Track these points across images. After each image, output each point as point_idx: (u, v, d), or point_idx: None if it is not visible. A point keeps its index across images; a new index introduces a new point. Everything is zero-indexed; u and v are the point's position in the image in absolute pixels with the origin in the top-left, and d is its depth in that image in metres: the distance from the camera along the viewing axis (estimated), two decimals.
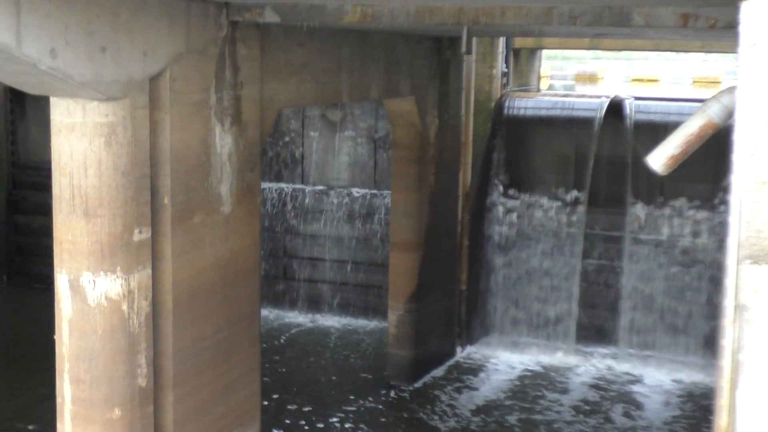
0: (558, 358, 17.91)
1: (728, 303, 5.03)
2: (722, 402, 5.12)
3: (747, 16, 4.86)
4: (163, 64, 9.10)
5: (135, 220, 8.89)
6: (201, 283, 9.98)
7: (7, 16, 7.11)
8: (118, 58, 8.45)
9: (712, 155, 15.96)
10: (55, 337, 9.01)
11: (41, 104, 8.29)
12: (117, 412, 8.98)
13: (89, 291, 8.76)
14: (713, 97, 9.92)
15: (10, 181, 21.88)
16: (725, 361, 5.13)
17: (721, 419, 5.04)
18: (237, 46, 10.27)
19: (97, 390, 8.90)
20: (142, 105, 8.89)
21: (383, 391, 16.18)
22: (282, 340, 18.73)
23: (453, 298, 17.85)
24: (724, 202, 16.65)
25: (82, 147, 8.54)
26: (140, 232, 8.98)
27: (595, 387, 16.72)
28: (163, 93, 9.17)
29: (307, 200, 20.05)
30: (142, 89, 8.86)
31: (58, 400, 9.09)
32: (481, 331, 18.64)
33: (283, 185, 20.36)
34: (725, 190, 16.46)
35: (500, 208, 18.47)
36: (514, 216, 18.42)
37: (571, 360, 17.85)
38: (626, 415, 15.55)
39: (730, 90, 9.84)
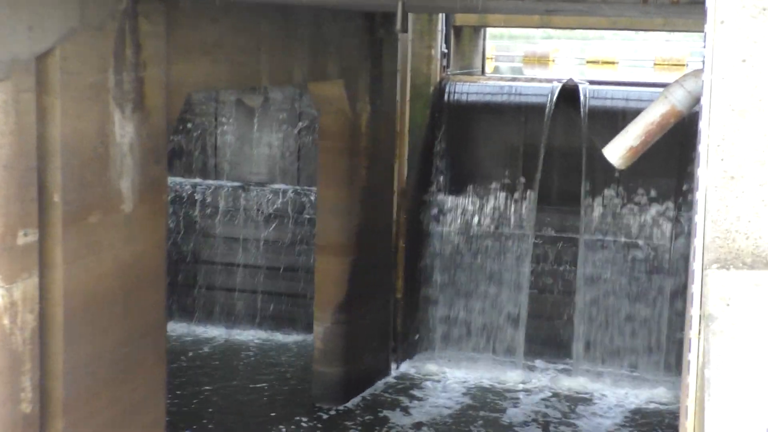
0: (505, 374, 18.01)
1: (693, 313, 5.06)
2: (687, 424, 5.16)
3: None
4: (52, 41, 8.92)
5: (19, 221, 8.69)
6: (98, 292, 9.81)
7: None
8: None
9: (675, 147, 16.24)
10: None
11: None
12: None
13: None
14: (676, 81, 10.05)
15: None
16: (690, 377, 5.17)
17: None
18: (139, 22, 10.11)
19: None
20: (28, 88, 8.70)
21: (308, 415, 16.11)
22: (192, 358, 18.55)
23: (388, 307, 17.86)
24: (690, 200, 16.90)
25: None
26: (25, 234, 8.78)
27: (545, 406, 16.83)
28: (52, 74, 8.98)
29: (221, 198, 19.89)
30: (27, 70, 8.67)
31: None
32: (418, 344, 18.68)
33: (194, 181, 20.17)
34: (690, 185, 16.72)
35: (441, 206, 18.52)
36: (456, 215, 18.48)
37: (520, 376, 17.95)
38: None
39: (696, 74, 9.98)
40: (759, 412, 3.60)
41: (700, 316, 4.81)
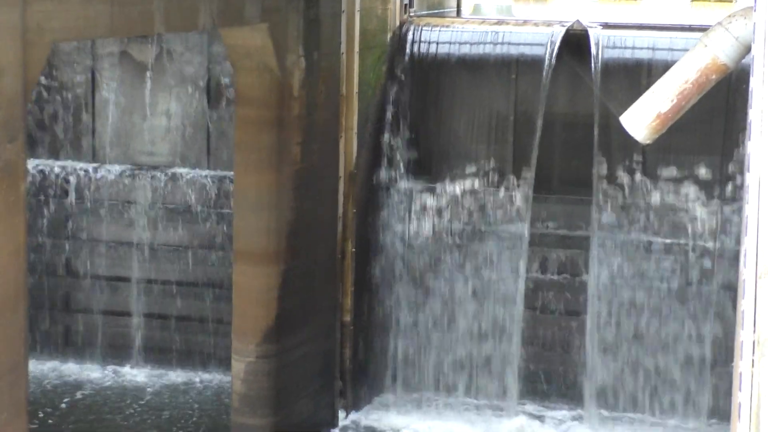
0: (492, 424, 18.06)
1: (745, 337, 5.06)
2: None
3: None
4: None
5: None
6: None
7: None
8: None
9: (719, 113, 16.32)
10: None
11: None
12: None
13: None
14: (719, 23, 10.11)
15: None
16: (741, 423, 5.17)
17: None
18: None
19: None
20: None
21: None
22: (65, 407, 18.45)
23: (332, 335, 17.87)
24: (738, 187, 17.00)
25: None
26: None
27: None
28: None
29: (102, 188, 19.75)
30: None
31: None
32: (374, 386, 18.68)
33: (63, 164, 20.02)
34: (739, 168, 16.81)
35: (402, 196, 18.50)
36: (423, 208, 18.48)
37: (513, 426, 18.01)
38: None
39: (745, 12, 10.03)
40: None
41: (753, 341, 4.81)
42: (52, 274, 20.07)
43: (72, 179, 19.88)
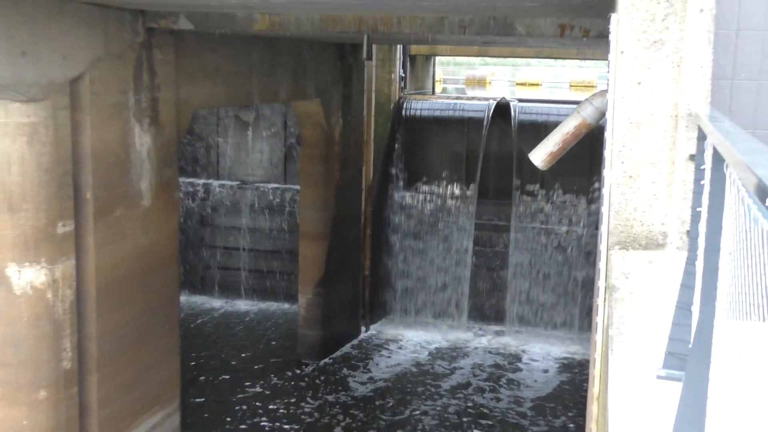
0: (453, 335, 18.07)
1: (600, 284, 5.11)
2: (595, 372, 5.21)
3: (615, 26, 4.94)
4: (82, 68, 8.85)
5: (58, 214, 8.64)
6: (122, 272, 9.76)
7: None
8: (38, 62, 8.18)
9: (586, 152, 16.34)
10: None
11: None
12: (43, 393, 8.73)
13: (14, 281, 8.50)
14: (586, 99, 10.11)
15: None
16: (598, 335, 5.22)
17: (594, 387, 5.13)
18: (153, 52, 10.05)
19: (23, 373, 8.64)
20: (63, 106, 8.64)
21: (294, 369, 16.11)
22: (199, 322, 18.48)
23: (357, 282, 17.85)
24: (598, 194, 16.99)
25: (4, 146, 8.26)
26: (63, 225, 8.73)
27: (485, 358, 16.92)
28: (83, 95, 8.92)
29: (223, 195, 19.80)
30: (62, 91, 8.60)
31: None
32: (383, 312, 18.70)
33: (201, 181, 20.05)
34: (598, 183, 16.81)
35: (399, 200, 18.53)
36: (412, 207, 18.49)
37: (465, 336, 18.03)
38: (511, 382, 15.79)
39: (602, 93, 10.04)
40: (650, 361, 3.65)
41: (605, 287, 4.86)
42: (194, 245, 20.11)
43: (206, 190, 19.91)
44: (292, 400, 14.67)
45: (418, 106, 18.76)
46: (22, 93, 8.04)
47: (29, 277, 8.50)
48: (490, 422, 14.17)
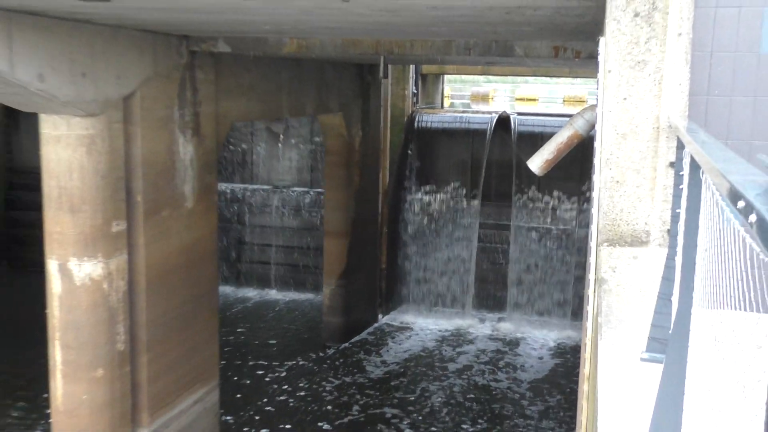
0: (459, 322, 18.05)
1: (591, 277, 5.11)
2: (586, 355, 5.21)
3: (603, 48, 4.94)
4: (134, 86, 8.91)
5: (113, 215, 8.71)
6: (168, 265, 9.82)
7: (1, 47, 6.89)
8: (96, 81, 8.25)
9: (578, 160, 16.30)
10: (47, 311, 8.80)
11: (32, 119, 7.99)
12: (100, 371, 8.80)
13: (75, 273, 8.57)
14: (578, 113, 10.09)
15: (7, 183, 21.27)
16: (588, 322, 5.22)
17: (585, 368, 5.12)
18: (196, 72, 10.10)
19: (83, 354, 8.71)
20: (117, 120, 8.71)
21: (318, 351, 16.14)
22: (235, 310, 18.53)
23: (375, 275, 17.86)
24: (588, 197, 16.93)
25: (67, 155, 8.33)
26: (117, 224, 8.80)
27: (487, 343, 16.90)
28: (134, 110, 8.99)
29: (256, 197, 19.84)
30: (116, 107, 8.67)
31: (51, 362, 8.87)
32: (397, 301, 18.69)
33: (237, 185, 20.10)
34: (589, 187, 16.75)
35: (412, 203, 18.51)
36: (423, 209, 18.48)
37: (469, 323, 18.00)
38: (510, 364, 15.76)
39: (591, 107, 10.02)
40: (634, 345, 3.65)
41: (595, 279, 4.85)
42: (232, 242, 20.16)
43: (241, 193, 19.96)
44: (316, 379, 14.70)
45: (429, 118, 18.74)
46: (82, 109, 8.11)
47: (88, 269, 8.56)
48: (489, 397, 14.15)
